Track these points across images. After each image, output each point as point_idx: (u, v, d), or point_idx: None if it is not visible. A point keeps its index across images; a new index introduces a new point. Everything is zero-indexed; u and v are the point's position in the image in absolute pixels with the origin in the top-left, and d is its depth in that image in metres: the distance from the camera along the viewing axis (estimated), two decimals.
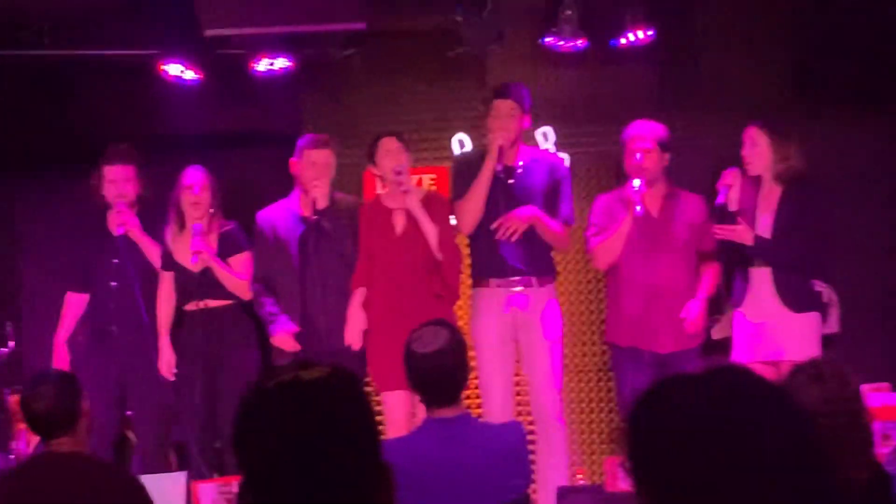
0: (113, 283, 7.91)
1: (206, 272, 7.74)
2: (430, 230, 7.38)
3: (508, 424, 5.39)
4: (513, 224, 7.37)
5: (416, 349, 4.81)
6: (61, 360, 7.98)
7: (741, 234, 7.27)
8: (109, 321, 7.93)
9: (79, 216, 8.36)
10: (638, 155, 7.52)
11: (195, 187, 7.82)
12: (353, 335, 7.43)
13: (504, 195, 7.43)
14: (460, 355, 4.83)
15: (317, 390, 2.43)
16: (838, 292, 7.64)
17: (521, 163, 7.55)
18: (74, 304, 8.12)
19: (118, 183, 7.88)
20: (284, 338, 7.58)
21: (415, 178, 8.17)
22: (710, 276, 7.60)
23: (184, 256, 7.77)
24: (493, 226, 7.37)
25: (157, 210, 8.03)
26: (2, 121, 9.01)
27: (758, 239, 7.25)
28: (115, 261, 7.86)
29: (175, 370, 7.78)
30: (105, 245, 7.89)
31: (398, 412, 7.30)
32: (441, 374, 4.76)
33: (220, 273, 7.77)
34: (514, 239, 7.38)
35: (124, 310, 7.86)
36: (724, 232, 7.27)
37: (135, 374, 7.86)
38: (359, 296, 7.50)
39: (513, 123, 7.44)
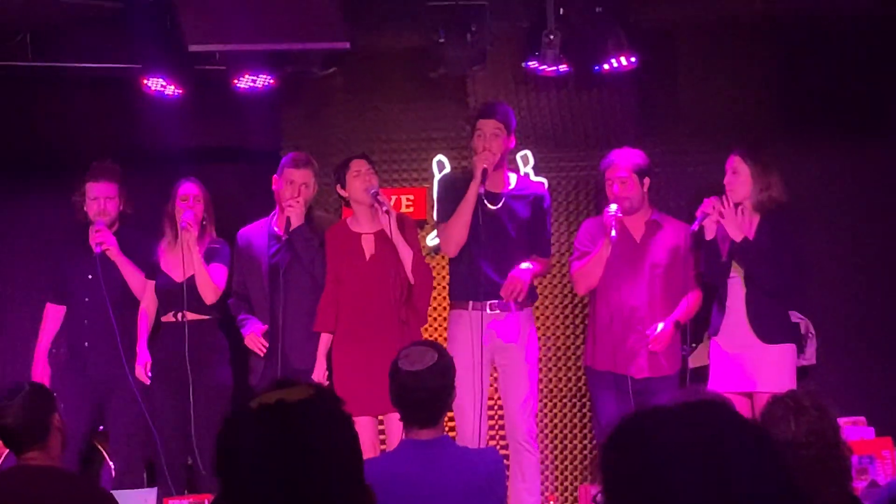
0: (87, 299, 7.89)
1: (190, 284, 7.72)
2: (406, 253, 7.36)
3: (486, 450, 5.38)
4: (517, 286, 7.36)
5: (403, 366, 4.80)
6: (41, 372, 7.92)
7: (733, 221, 7.28)
8: (83, 336, 7.90)
9: (59, 228, 8.33)
10: (615, 186, 7.55)
11: (189, 199, 7.82)
12: (321, 379, 7.41)
13: (487, 219, 7.42)
14: (446, 378, 4.81)
15: (301, 412, 2.42)
16: (814, 324, 7.64)
17: (508, 188, 7.56)
18: (53, 316, 8.09)
19: (100, 200, 7.88)
20: (253, 338, 7.57)
21: (392, 198, 8.17)
22: (688, 301, 7.60)
23: (172, 267, 7.77)
24: (502, 293, 7.37)
25: (137, 225, 8.03)
26: None
27: (745, 240, 7.26)
28: (90, 276, 7.83)
29: (150, 373, 7.74)
30: (83, 260, 7.87)
31: (363, 437, 7.24)
32: (424, 394, 4.74)
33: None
34: (520, 299, 7.39)
35: (97, 326, 7.83)
36: (717, 209, 7.26)
37: (109, 390, 7.82)
38: (325, 342, 7.48)
39: (497, 143, 7.44)
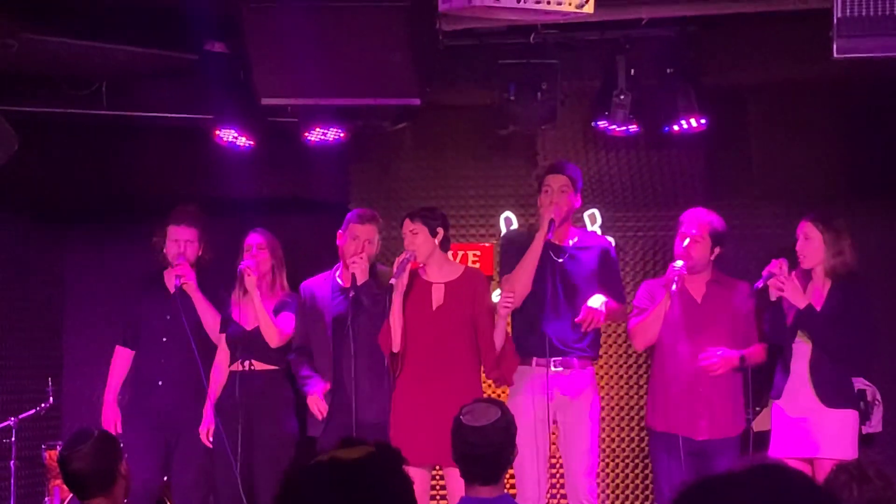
0: (164, 339, 7.93)
1: (258, 333, 7.76)
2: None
3: None
4: (593, 315, 7.34)
5: (466, 422, 4.82)
6: (112, 418, 7.95)
7: (795, 291, 7.22)
8: (157, 375, 7.93)
9: (133, 273, 8.41)
10: (686, 241, 7.51)
11: (252, 249, 7.88)
12: None
13: (553, 274, 7.42)
14: (507, 435, 4.83)
15: (358, 470, 2.43)
16: (881, 391, 7.57)
17: (571, 242, 7.55)
18: (122, 359, 8.12)
19: (180, 243, 7.94)
20: (315, 399, 7.59)
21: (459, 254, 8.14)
22: (756, 348, 7.52)
23: (242, 316, 7.81)
24: (578, 320, 7.36)
25: (211, 272, 8.09)
26: (56, 175, 9.11)
27: (809, 307, 7.20)
28: (168, 317, 7.89)
29: (211, 437, 7.77)
30: (160, 301, 7.93)
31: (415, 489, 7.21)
32: (486, 449, 4.76)
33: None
34: (591, 327, 7.37)
35: (173, 365, 7.87)
36: (778, 284, 7.21)
37: (179, 435, 7.85)
38: None
39: (564, 199, 7.44)
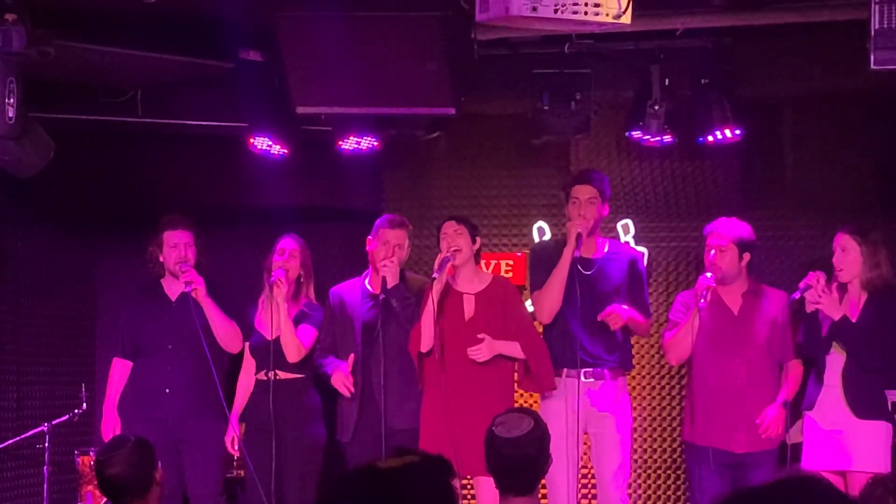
0: (170, 346, 7.94)
1: (279, 343, 7.76)
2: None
3: None
4: (615, 313, 7.34)
5: (499, 433, 4.82)
6: (111, 425, 7.96)
7: (830, 304, 7.19)
8: (165, 382, 7.92)
9: (134, 284, 8.43)
10: (712, 252, 7.49)
11: (285, 253, 7.88)
12: None
13: (582, 286, 7.40)
14: (541, 445, 4.82)
15: (394, 479, 2.43)
16: None
17: (601, 253, 7.54)
18: (121, 371, 8.11)
19: (180, 247, 7.92)
20: (340, 376, 7.57)
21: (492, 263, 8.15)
22: (792, 377, 7.50)
23: (263, 325, 7.82)
24: (601, 316, 7.34)
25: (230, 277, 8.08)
26: (91, 183, 9.14)
27: (844, 318, 7.17)
28: (173, 324, 7.90)
29: (238, 445, 7.78)
30: (161, 310, 7.95)
31: None
32: (519, 460, 4.76)
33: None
34: (614, 327, 7.35)
35: (180, 374, 7.87)
36: (814, 296, 7.18)
37: (190, 442, 7.86)
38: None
39: (592, 210, 7.43)
